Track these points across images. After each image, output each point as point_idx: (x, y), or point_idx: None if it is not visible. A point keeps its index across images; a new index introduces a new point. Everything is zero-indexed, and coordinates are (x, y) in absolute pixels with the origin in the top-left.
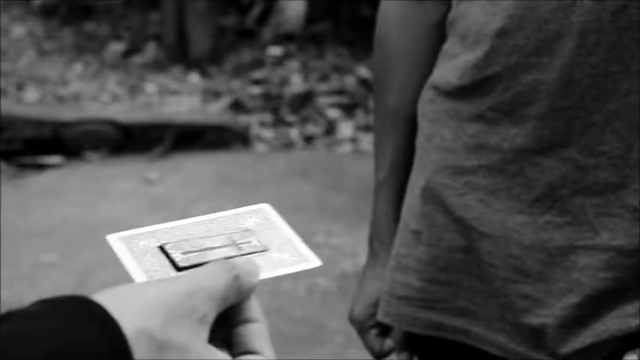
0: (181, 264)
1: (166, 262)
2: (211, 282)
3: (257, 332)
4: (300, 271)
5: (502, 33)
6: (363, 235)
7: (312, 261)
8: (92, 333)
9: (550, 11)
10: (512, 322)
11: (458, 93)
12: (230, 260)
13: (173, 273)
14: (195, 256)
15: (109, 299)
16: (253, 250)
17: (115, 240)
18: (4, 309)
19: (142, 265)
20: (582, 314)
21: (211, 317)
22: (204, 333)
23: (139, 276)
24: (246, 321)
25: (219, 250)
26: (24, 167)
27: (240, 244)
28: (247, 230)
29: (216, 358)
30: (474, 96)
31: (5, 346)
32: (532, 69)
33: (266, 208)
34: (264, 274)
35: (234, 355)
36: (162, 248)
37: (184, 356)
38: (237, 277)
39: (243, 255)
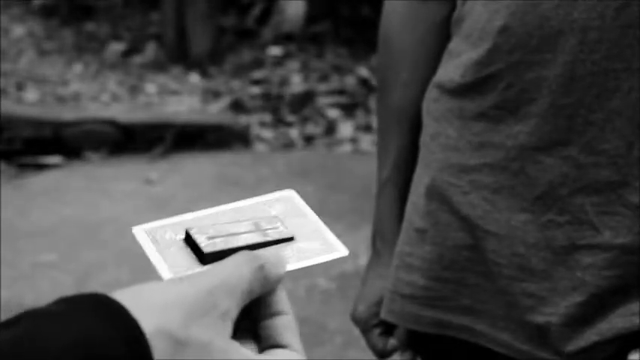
0: (206, 249)
1: (191, 254)
2: (234, 276)
3: (285, 325)
4: (328, 262)
5: (504, 30)
6: (363, 235)
7: (341, 250)
8: (112, 332)
9: (552, 8)
10: (517, 320)
11: (461, 91)
12: (254, 252)
13: (197, 265)
14: (221, 241)
15: (128, 298)
16: (280, 237)
17: (140, 232)
18: (4, 309)
19: (167, 259)
20: (587, 312)
21: (235, 312)
22: (227, 329)
23: (164, 271)
24: (274, 314)
25: (245, 236)
26: (24, 167)
27: (267, 230)
28: (274, 217)
29: (240, 354)
30: (477, 94)
31: (25, 344)
32: (534, 66)
33: (292, 194)
34: (292, 265)
35: (262, 348)
36: (187, 238)
37: (206, 354)
38: (261, 269)
39: (270, 241)
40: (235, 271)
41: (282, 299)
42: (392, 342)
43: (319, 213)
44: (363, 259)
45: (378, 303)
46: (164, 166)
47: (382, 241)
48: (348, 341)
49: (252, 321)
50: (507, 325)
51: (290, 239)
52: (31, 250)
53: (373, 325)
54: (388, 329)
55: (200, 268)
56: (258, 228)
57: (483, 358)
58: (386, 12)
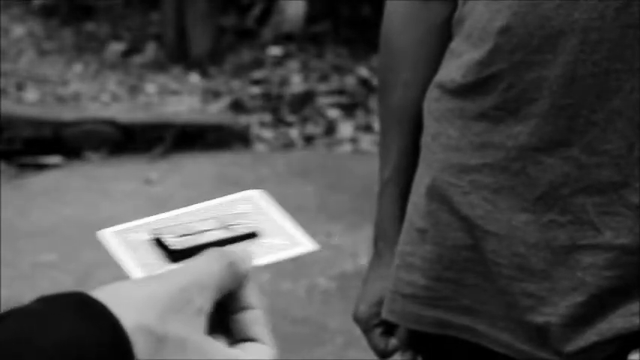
0: (174, 247)
1: (160, 252)
2: (204, 273)
3: (254, 319)
4: (295, 256)
5: (505, 30)
6: (363, 235)
7: (307, 245)
8: (95, 331)
9: (553, 8)
10: (517, 320)
11: (462, 91)
12: (223, 249)
13: (168, 263)
14: (188, 239)
15: (107, 295)
16: (245, 232)
17: (107, 235)
18: (4, 309)
19: (137, 258)
20: (587, 313)
21: (208, 307)
22: (202, 324)
23: (134, 271)
24: (244, 308)
25: (212, 233)
26: (24, 167)
27: (232, 226)
28: (239, 214)
29: (214, 348)
30: (478, 94)
31: (6, 344)
32: (535, 66)
33: (257, 194)
34: (259, 260)
35: (233, 342)
36: (155, 238)
37: (183, 349)
38: (230, 265)
39: (236, 237)
40: (206, 268)
41: (251, 294)
42: (393, 342)
43: (319, 213)
44: (364, 259)
45: (379, 303)
46: (164, 166)
47: (383, 242)
48: (349, 341)
49: (223, 315)
50: (507, 325)
51: (256, 235)
52: (31, 250)
53: (374, 324)
54: (389, 329)
55: (169, 266)
56: (223, 225)
57: (484, 358)
58: (387, 12)
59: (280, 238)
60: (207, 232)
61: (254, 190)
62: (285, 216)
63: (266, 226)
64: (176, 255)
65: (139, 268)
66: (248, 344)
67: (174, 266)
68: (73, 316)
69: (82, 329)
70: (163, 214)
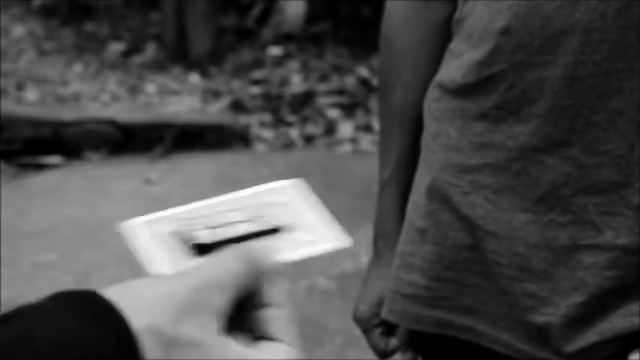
0: (200, 241)
1: (186, 246)
2: (222, 272)
3: (275, 317)
4: (327, 258)
5: (506, 31)
6: (363, 235)
7: (338, 241)
8: (102, 330)
9: (554, 9)
10: (518, 320)
11: (463, 91)
12: (243, 245)
13: (193, 256)
14: (214, 233)
15: (118, 295)
16: (274, 226)
17: (131, 227)
18: (4, 309)
19: (161, 252)
20: (587, 313)
21: (225, 308)
22: (218, 325)
23: (158, 265)
24: (265, 306)
25: (239, 226)
26: (24, 167)
27: (262, 218)
28: (271, 205)
29: (230, 349)
30: (478, 94)
31: (17, 343)
32: (536, 67)
33: (293, 184)
34: (284, 256)
35: (253, 340)
36: (181, 230)
37: (196, 351)
38: (249, 263)
39: (264, 230)
40: (224, 266)
41: (274, 291)
42: (393, 342)
43: None
44: (364, 259)
45: (379, 303)
46: (164, 166)
47: (383, 241)
48: (349, 341)
49: (245, 313)
50: (508, 325)
51: (285, 229)
52: (31, 250)
53: (374, 325)
54: (389, 329)
55: (195, 260)
56: (253, 217)
57: (484, 358)
58: (387, 12)
59: (311, 232)
60: (235, 225)
61: (290, 180)
62: (320, 208)
63: (298, 218)
64: (202, 249)
65: (163, 261)
66: (267, 343)
67: (199, 261)
68: (77, 315)
69: (85, 328)
70: (193, 204)
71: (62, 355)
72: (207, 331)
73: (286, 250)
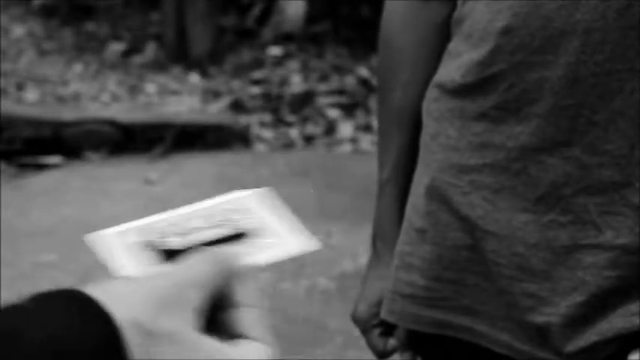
0: (168, 247)
1: (154, 253)
2: (196, 271)
3: (248, 317)
4: (294, 256)
5: (507, 31)
6: (363, 235)
7: (306, 244)
8: (86, 325)
9: (555, 9)
10: (517, 320)
11: (462, 91)
12: (214, 249)
13: (162, 263)
14: (182, 240)
15: (100, 292)
16: (241, 231)
17: (98, 238)
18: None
19: (130, 260)
20: (587, 313)
21: (201, 305)
22: (195, 321)
23: (128, 272)
24: (237, 306)
25: (206, 232)
26: (24, 167)
27: (228, 224)
28: (237, 212)
29: (206, 344)
30: (478, 94)
31: (2, 337)
32: (537, 67)
33: (257, 192)
34: (255, 259)
35: (227, 338)
36: (148, 239)
37: (176, 344)
38: (220, 264)
39: (230, 236)
40: (197, 267)
41: (246, 292)
42: (392, 342)
43: (319, 213)
44: (363, 259)
45: (378, 303)
46: (164, 166)
47: (382, 242)
48: (348, 341)
49: (219, 314)
50: (507, 325)
51: (253, 234)
52: (31, 250)
53: (373, 325)
54: (388, 329)
55: (165, 265)
56: (219, 224)
57: (483, 358)
58: (386, 12)
59: (277, 236)
60: (202, 232)
61: (256, 189)
62: (286, 213)
63: (264, 224)
64: (171, 254)
65: (132, 270)
66: (242, 341)
67: (169, 265)
68: (63, 311)
69: (72, 324)
70: (158, 215)
71: (49, 348)
72: (186, 325)
73: (254, 254)
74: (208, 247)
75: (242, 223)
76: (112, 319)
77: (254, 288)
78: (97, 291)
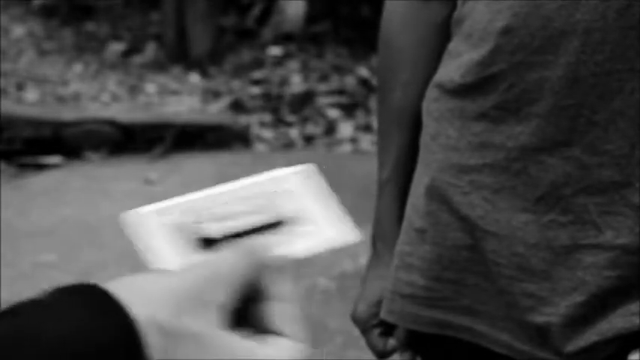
0: (207, 235)
1: (189, 239)
2: (225, 267)
3: (278, 311)
4: (333, 248)
5: (507, 31)
6: (363, 235)
7: (347, 235)
8: (106, 323)
9: (555, 9)
10: (517, 320)
11: (462, 91)
12: (246, 241)
13: (199, 250)
14: (221, 226)
15: (121, 289)
16: (281, 218)
17: (137, 217)
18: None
19: (167, 244)
20: (587, 313)
21: (228, 302)
22: (220, 320)
23: (164, 258)
24: (269, 300)
25: (247, 218)
26: (24, 167)
27: (270, 209)
28: (280, 195)
29: (231, 343)
30: (478, 94)
31: (21, 337)
32: (537, 67)
33: (304, 170)
34: (289, 251)
35: (256, 333)
36: (188, 222)
37: (197, 345)
38: (252, 259)
39: (270, 224)
40: (228, 262)
41: (279, 286)
42: (391, 342)
43: None
44: (363, 259)
45: (378, 303)
46: (164, 166)
47: (382, 242)
48: (348, 341)
49: (251, 308)
50: (507, 325)
51: (292, 221)
52: (31, 250)
53: (373, 325)
54: (388, 329)
55: (200, 254)
56: (261, 208)
57: (483, 358)
58: (386, 12)
59: (318, 225)
60: (242, 217)
61: (301, 166)
62: (328, 197)
63: (306, 210)
64: (207, 243)
65: (167, 255)
66: (269, 337)
67: (203, 255)
68: (81, 308)
69: (89, 322)
70: (200, 192)
71: (66, 347)
72: (209, 324)
73: (291, 245)
74: (245, 236)
75: (282, 208)
76: (131, 315)
77: (286, 282)
78: (117, 287)
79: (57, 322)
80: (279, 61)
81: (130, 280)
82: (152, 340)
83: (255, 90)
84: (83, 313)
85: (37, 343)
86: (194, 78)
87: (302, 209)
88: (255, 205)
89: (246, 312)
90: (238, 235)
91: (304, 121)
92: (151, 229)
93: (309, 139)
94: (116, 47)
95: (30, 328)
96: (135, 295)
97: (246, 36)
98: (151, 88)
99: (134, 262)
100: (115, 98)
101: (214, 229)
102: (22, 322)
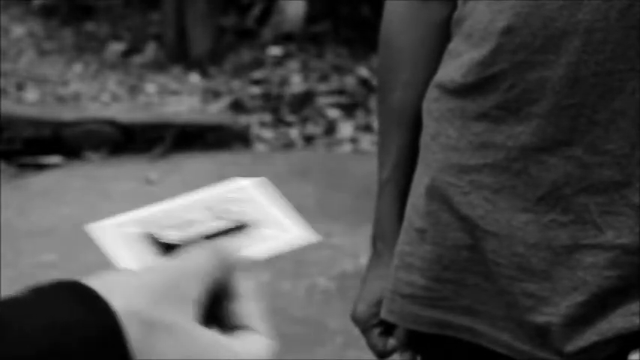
0: (166, 241)
1: (153, 246)
2: (196, 263)
3: (246, 309)
4: (292, 248)
5: (508, 31)
6: (363, 235)
7: (305, 236)
8: (85, 314)
9: (556, 9)
10: (517, 320)
11: (463, 91)
12: (213, 242)
13: (160, 256)
14: (180, 233)
15: (100, 283)
16: (239, 223)
17: (98, 229)
18: None
19: (129, 252)
20: (587, 312)
21: (199, 297)
22: (193, 312)
23: (127, 264)
24: (235, 298)
25: (204, 225)
26: (24, 167)
27: (225, 216)
28: (234, 203)
29: (203, 334)
30: (478, 94)
31: (1, 325)
32: (538, 66)
33: (254, 182)
34: (253, 252)
35: (226, 330)
36: (147, 231)
37: (174, 335)
38: (218, 257)
39: (230, 228)
40: (196, 260)
41: (243, 284)
42: (391, 342)
43: (319, 213)
44: (363, 259)
45: (378, 303)
46: (164, 166)
47: (382, 241)
48: (348, 341)
49: (218, 306)
50: (507, 325)
51: (251, 225)
52: (31, 250)
53: (373, 325)
54: (388, 329)
55: (163, 258)
56: (217, 216)
57: (483, 358)
58: (386, 12)
59: (277, 228)
60: (200, 224)
61: (251, 178)
62: (284, 205)
63: (263, 215)
64: (169, 248)
65: (131, 261)
66: (241, 332)
67: (168, 257)
68: (62, 301)
69: (70, 314)
70: (157, 205)
71: (48, 337)
72: (184, 316)
73: (254, 246)
74: (208, 241)
75: (242, 215)
76: (112, 308)
77: (252, 280)
78: (95, 282)
79: (39, 313)
80: (279, 61)
81: (106, 276)
82: (132, 331)
83: (255, 90)
84: (64, 307)
85: (18, 334)
86: (194, 78)
87: (260, 214)
88: (215, 212)
89: (213, 310)
90: (199, 240)
91: (304, 121)
92: (113, 239)
93: (309, 139)
94: (116, 47)
95: (10, 320)
96: (112, 290)
97: (246, 36)
98: (151, 88)
99: None
100: (115, 98)
101: (175, 236)
102: (4, 313)
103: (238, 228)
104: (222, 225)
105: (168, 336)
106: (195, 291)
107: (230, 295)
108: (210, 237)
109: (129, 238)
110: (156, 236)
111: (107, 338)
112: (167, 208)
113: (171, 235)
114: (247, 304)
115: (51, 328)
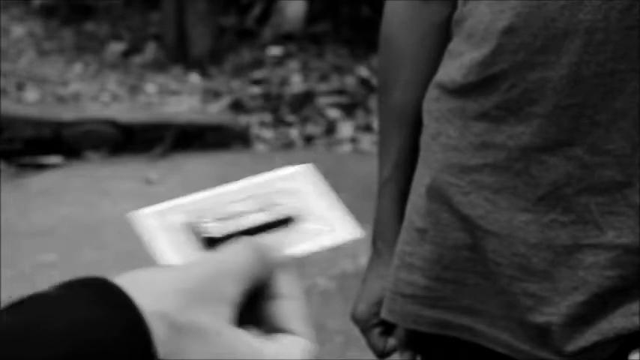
0: (210, 234)
1: (196, 238)
2: (233, 262)
3: (286, 309)
4: (336, 245)
5: (509, 31)
6: (363, 234)
7: (351, 232)
8: (111, 315)
9: (557, 9)
10: (518, 320)
11: (463, 91)
12: (253, 238)
13: (201, 250)
14: (224, 225)
15: (128, 282)
16: (284, 216)
17: (143, 216)
18: None
19: (171, 243)
20: (588, 312)
21: (236, 298)
22: (228, 315)
23: (168, 256)
24: (274, 297)
25: (250, 217)
26: (24, 167)
27: (272, 208)
28: (281, 194)
29: (239, 338)
30: (479, 94)
31: (25, 329)
32: (539, 67)
33: (303, 170)
34: (294, 249)
35: (264, 332)
36: (191, 222)
37: (204, 339)
38: (260, 255)
39: (273, 222)
40: (236, 257)
41: (285, 283)
42: (392, 342)
43: None
44: (363, 259)
45: (378, 303)
46: (164, 166)
47: (382, 241)
48: (348, 341)
49: (258, 306)
50: (508, 324)
51: (296, 219)
52: (31, 250)
53: (373, 324)
54: (388, 329)
55: (204, 253)
56: (263, 207)
57: (484, 358)
58: (387, 12)
59: (322, 223)
60: (246, 216)
61: (301, 166)
62: (331, 197)
63: (309, 208)
64: (210, 242)
65: (172, 254)
66: (278, 335)
67: (206, 253)
68: (88, 300)
69: (95, 313)
70: (203, 192)
71: (71, 339)
72: (218, 319)
73: (297, 243)
74: (250, 235)
75: (285, 207)
76: (138, 308)
77: (291, 278)
78: (123, 281)
79: (63, 315)
80: (279, 61)
81: (136, 275)
82: (159, 334)
83: (255, 90)
84: (90, 306)
85: (44, 334)
86: (194, 78)
87: (305, 207)
88: (258, 204)
89: (252, 309)
90: (242, 234)
91: (304, 121)
92: (154, 229)
93: (309, 139)
94: (116, 47)
95: (36, 320)
96: (142, 289)
97: (246, 36)
98: (151, 88)
99: (134, 262)
100: (115, 98)
101: (218, 229)
102: (29, 313)
103: (282, 222)
104: (265, 218)
105: (196, 339)
106: (232, 291)
107: (271, 295)
108: (252, 231)
109: (171, 228)
110: (199, 228)
111: (132, 340)
112: (212, 197)
113: (213, 228)
114: (288, 305)
115: (75, 329)
